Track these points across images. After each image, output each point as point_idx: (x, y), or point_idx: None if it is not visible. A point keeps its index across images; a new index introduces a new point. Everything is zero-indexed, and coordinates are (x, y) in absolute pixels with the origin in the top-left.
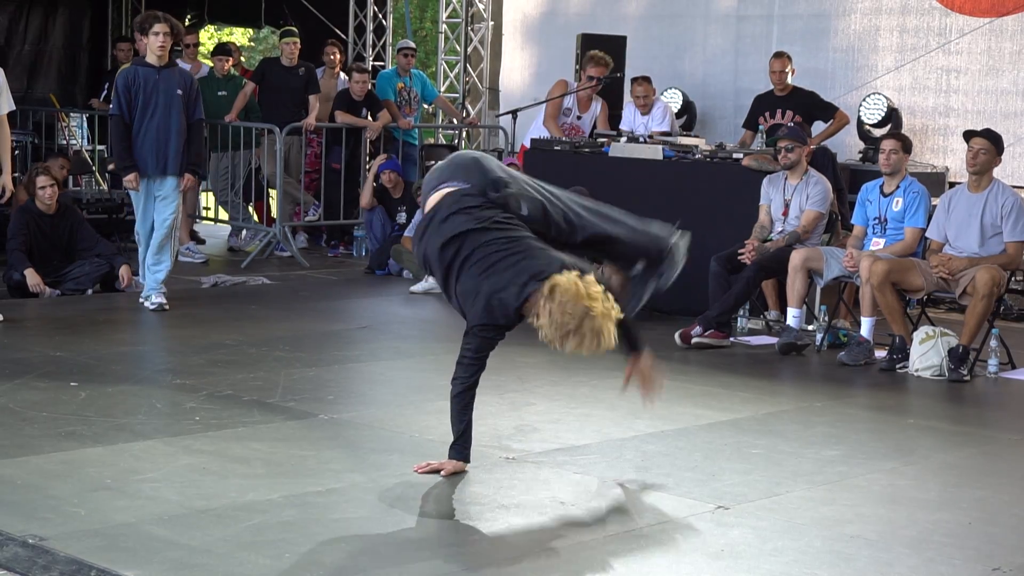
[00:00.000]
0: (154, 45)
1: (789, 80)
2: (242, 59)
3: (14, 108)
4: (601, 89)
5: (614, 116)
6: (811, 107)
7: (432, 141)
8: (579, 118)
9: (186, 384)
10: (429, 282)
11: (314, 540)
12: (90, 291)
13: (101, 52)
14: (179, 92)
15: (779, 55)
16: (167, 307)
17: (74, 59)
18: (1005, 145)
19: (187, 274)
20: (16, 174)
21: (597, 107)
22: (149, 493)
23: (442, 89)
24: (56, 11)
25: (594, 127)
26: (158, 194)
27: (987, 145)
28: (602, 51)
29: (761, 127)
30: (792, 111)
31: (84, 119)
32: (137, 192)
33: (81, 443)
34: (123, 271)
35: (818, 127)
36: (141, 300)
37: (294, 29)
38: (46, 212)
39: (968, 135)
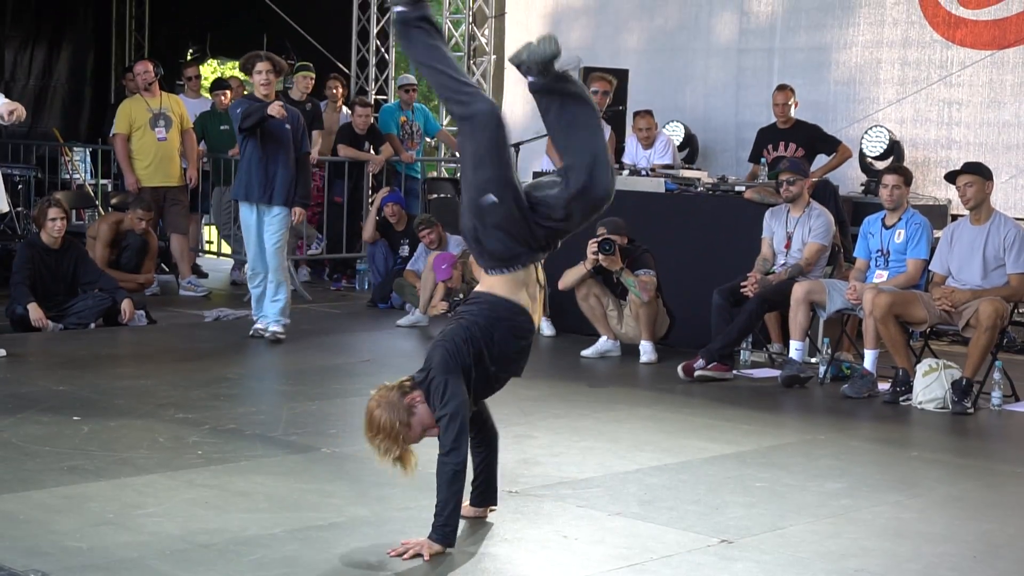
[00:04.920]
0: (258, 83)
1: (792, 113)
2: (244, 93)
3: None
4: (606, 120)
5: (618, 149)
6: (814, 140)
7: (435, 175)
8: None
9: (188, 418)
10: (415, 315)
11: (316, 574)
12: (92, 325)
13: (104, 86)
14: (287, 127)
15: (782, 88)
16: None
17: (78, 93)
18: (1007, 177)
19: (189, 308)
20: (20, 208)
21: (604, 135)
22: (152, 528)
23: (444, 123)
24: (61, 46)
25: None
26: (266, 220)
27: (972, 178)
28: None
29: (764, 160)
30: (795, 144)
31: (87, 153)
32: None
33: (83, 477)
34: (125, 305)
35: (821, 160)
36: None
37: (310, 64)
38: (51, 246)
39: (950, 177)
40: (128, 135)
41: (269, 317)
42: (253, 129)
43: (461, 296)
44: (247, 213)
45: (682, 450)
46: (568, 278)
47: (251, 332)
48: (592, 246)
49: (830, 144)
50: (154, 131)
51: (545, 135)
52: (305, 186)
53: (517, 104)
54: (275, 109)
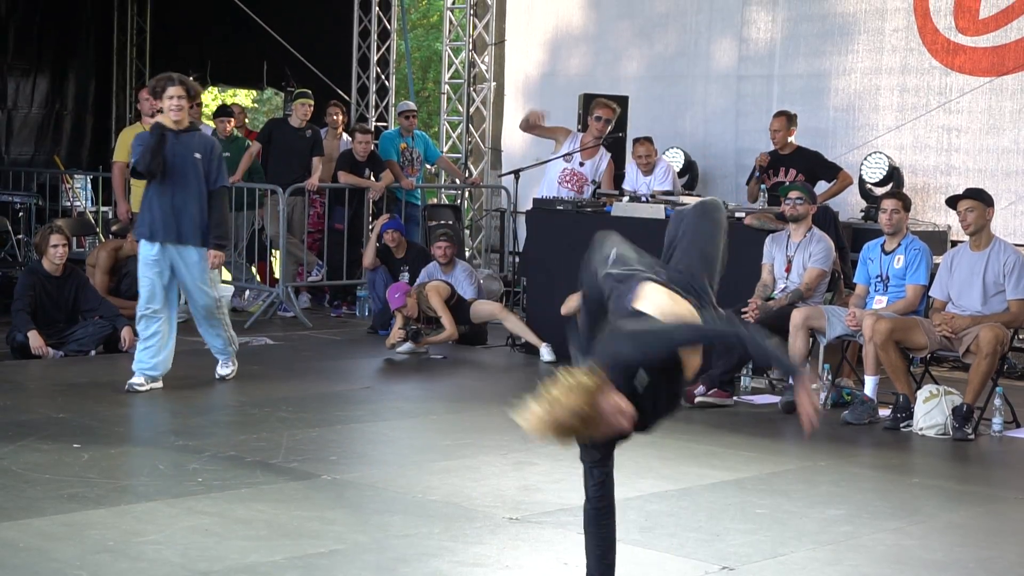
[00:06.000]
0: (168, 108)
1: (791, 140)
2: (245, 120)
3: None
4: (606, 147)
5: (618, 176)
6: (815, 167)
7: (435, 201)
8: (581, 164)
9: (189, 445)
10: (409, 345)
11: None
12: (93, 352)
13: (106, 114)
14: (197, 156)
15: (778, 115)
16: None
17: (80, 121)
18: (1006, 203)
19: (189, 335)
20: (21, 236)
21: (603, 162)
22: (151, 555)
23: (444, 149)
24: (63, 75)
25: (597, 185)
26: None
27: (973, 203)
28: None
29: (763, 186)
30: (795, 170)
31: (88, 181)
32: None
33: (83, 505)
34: (125, 333)
35: (821, 187)
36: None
37: (309, 91)
38: (53, 273)
39: (951, 202)
40: (128, 163)
41: (219, 359)
42: (152, 172)
43: (417, 326)
44: (147, 249)
45: (683, 477)
46: (571, 303)
47: (126, 387)
48: None
49: (831, 171)
50: None
51: (544, 162)
52: (220, 226)
53: (516, 131)
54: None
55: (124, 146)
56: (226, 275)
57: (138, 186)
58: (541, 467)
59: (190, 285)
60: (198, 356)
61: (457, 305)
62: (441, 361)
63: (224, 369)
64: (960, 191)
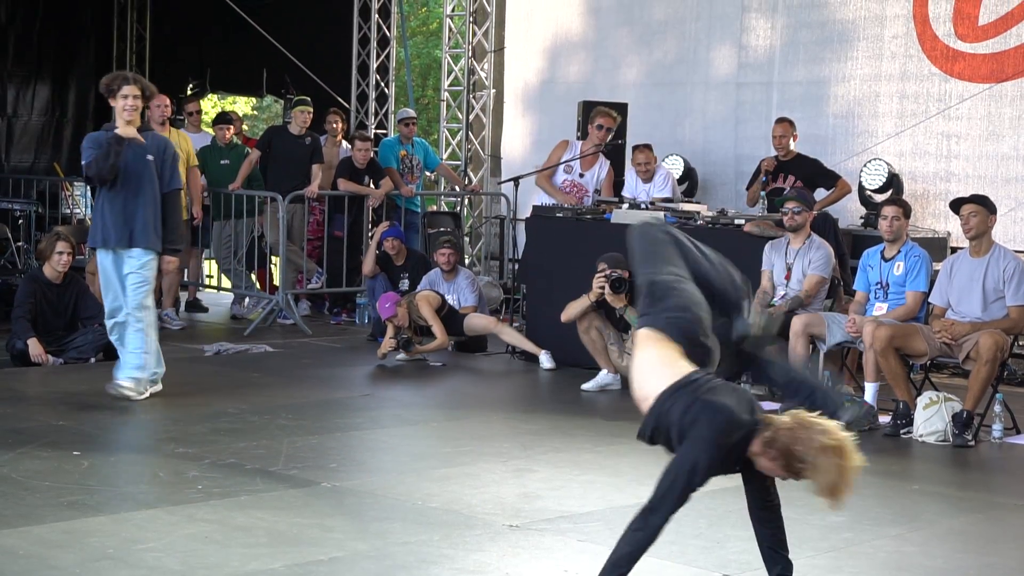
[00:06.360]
0: (122, 108)
1: (792, 146)
2: (244, 127)
3: None
4: (605, 155)
5: (618, 183)
6: (814, 174)
7: (434, 208)
8: (581, 175)
9: (189, 452)
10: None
11: None
12: (92, 360)
13: (105, 121)
14: (150, 158)
15: (780, 120)
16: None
17: (80, 129)
18: (1006, 209)
19: (189, 342)
20: (21, 243)
21: (603, 170)
22: (151, 563)
23: (444, 156)
24: (62, 82)
25: (598, 192)
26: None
27: (976, 208)
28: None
29: (763, 192)
30: (795, 176)
31: (88, 188)
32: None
33: (83, 512)
34: None
35: (819, 194)
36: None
37: (308, 99)
38: (54, 281)
39: (955, 205)
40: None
41: (121, 369)
42: (104, 178)
43: (408, 335)
44: (103, 258)
45: None
46: (571, 311)
47: (114, 391)
48: (600, 280)
49: (830, 179)
50: None
51: (543, 169)
52: (174, 230)
53: (516, 139)
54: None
55: None
56: (226, 283)
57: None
58: (541, 474)
59: (128, 284)
60: (197, 363)
61: (449, 315)
62: (440, 368)
63: (124, 383)
64: (959, 197)
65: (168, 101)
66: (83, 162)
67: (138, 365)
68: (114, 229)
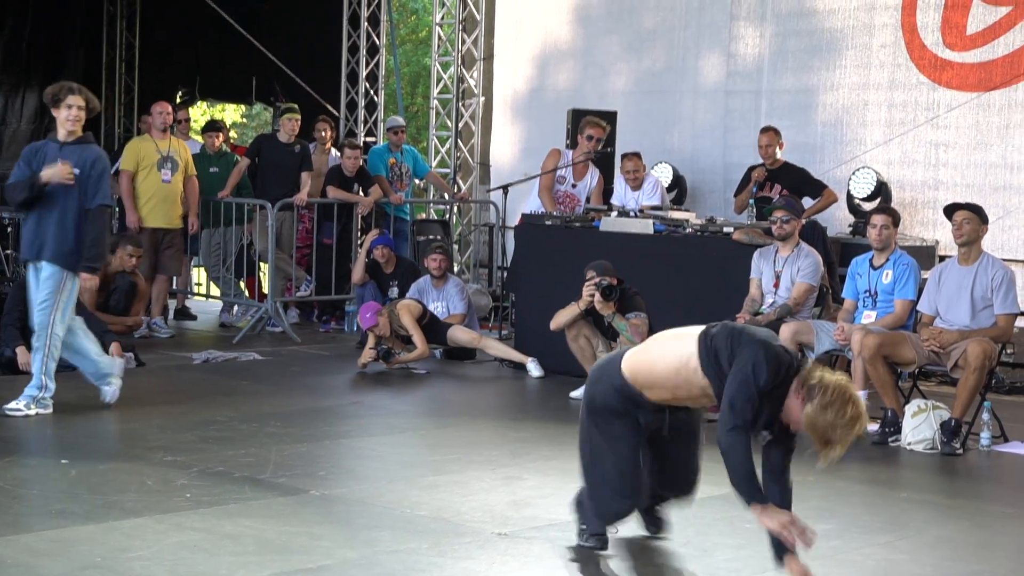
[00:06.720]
0: (64, 119)
1: (779, 155)
2: (233, 135)
3: None
4: (594, 162)
5: (607, 191)
6: (800, 183)
7: (424, 216)
8: (574, 186)
9: (177, 461)
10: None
11: None
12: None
13: (95, 129)
14: (76, 172)
15: (766, 130)
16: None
17: None
18: (994, 218)
19: (178, 350)
20: (9, 251)
21: (594, 179)
22: (139, 571)
23: (433, 164)
24: None
25: (588, 200)
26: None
27: (970, 215)
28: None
29: (751, 200)
30: (781, 185)
31: None
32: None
33: (71, 521)
34: (113, 348)
35: (806, 203)
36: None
37: (295, 106)
38: None
39: (949, 210)
40: (133, 173)
41: (25, 392)
42: (26, 204)
43: (388, 346)
44: (30, 272)
45: None
46: (560, 318)
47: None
48: (591, 288)
49: (816, 188)
50: (160, 172)
51: (532, 177)
52: (94, 247)
53: (505, 146)
54: (58, 174)
55: (131, 155)
56: (215, 291)
57: (141, 198)
58: (530, 482)
59: (32, 300)
60: (187, 372)
61: (431, 324)
62: (429, 376)
63: (16, 404)
64: (947, 206)
65: (170, 108)
66: (10, 178)
67: (35, 385)
68: (27, 242)
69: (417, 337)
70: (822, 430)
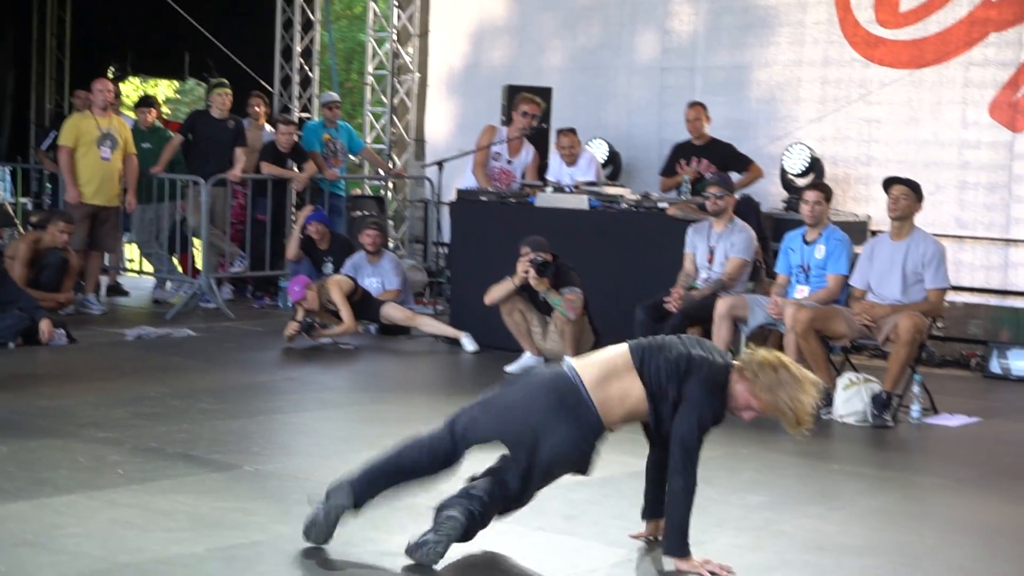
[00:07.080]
0: None
1: (706, 130)
2: (165, 111)
3: None
4: (529, 139)
5: (542, 166)
6: (726, 158)
7: (358, 192)
8: (509, 162)
9: (109, 437)
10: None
11: None
12: (12, 345)
13: (25, 105)
14: None
15: (693, 104)
16: None
17: (1, 112)
18: (926, 194)
19: (110, 326)
20: None
21: (529, 155)
22: (72, 548)
23: (368, 140)
24: None
25: (523, 176)
26: None
27: (907, 191)
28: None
29: (687, 177)
30: (708, 160)
31: (7, 172)
32: None
33: (2, 498)
34: (44, 325)
35: (733, 179)
36: None
37: (226, 81)
38: None
39: (887, 183)
40: (72, 149)
41: None
42: None
43: (311, 320)
44: None
45: (606, 465)
46: (494, 293)
47: None
48: (524, 264)
49: (742, 163)
50: (99, 150)
51: (468, 153)
52: None
53: (440, 122)
54: None
55: (70, 131)
56: (148, 267)
57: (80, 175)
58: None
59: None
60: (119, 348)
61: (364, 300)
62: (363, 351)
63: None
64: (880, 182)
65: (111, 86)
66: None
67: None
68: None
69: (345, 312)
70: (786, 406)
